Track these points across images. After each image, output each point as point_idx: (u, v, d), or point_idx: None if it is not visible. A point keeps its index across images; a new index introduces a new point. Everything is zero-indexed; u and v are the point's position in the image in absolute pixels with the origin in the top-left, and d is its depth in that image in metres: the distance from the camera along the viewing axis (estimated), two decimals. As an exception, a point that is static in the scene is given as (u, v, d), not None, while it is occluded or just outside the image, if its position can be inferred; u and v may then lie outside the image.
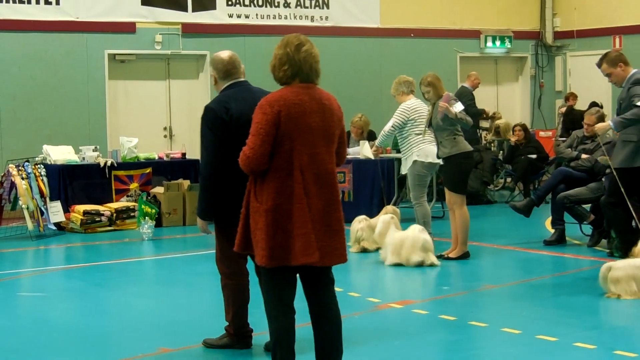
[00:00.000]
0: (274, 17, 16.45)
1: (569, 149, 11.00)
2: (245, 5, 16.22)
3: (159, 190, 13.07)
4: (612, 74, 8.68)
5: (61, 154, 13.07)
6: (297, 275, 5.15)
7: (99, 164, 13.05)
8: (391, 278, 9.05)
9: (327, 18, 16.95)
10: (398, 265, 9.27)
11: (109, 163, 13.06)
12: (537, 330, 6.56)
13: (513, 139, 15.20)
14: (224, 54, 6.15)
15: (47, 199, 12.08)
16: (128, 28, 15.31)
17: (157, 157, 13.83)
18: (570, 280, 8.74)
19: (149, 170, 13.40)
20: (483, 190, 15.06)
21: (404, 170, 10.43)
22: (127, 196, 13.15)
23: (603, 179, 10.00)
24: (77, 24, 14.88)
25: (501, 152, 15.99)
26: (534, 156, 14.84)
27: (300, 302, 5.17)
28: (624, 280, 7.53)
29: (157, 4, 15.49)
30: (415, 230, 9.36)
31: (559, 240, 10.51)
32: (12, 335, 6.92)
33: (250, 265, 5.95)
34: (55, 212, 12.15)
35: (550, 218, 10.85)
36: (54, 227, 12.15)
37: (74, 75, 14.93)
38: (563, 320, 6.98)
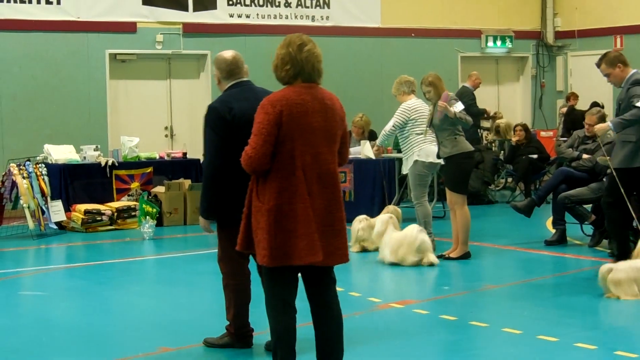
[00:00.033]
0: (275, 17, 16.46)
1: (570, 149, 11.01)
2: (246, 5, 16.23)
3: (159, 189, 13.08)
4: (610, 74, 8.67)
5: (62, 153, 13.07)
6: (299, 274, 5.15)
7: (100, 164, 13.05)
8: (392, 278, 9.04)
9: (327, 18, 16.96)
10: (398, 265, 9.27)
11: (110, 162, 13.06)
12: (538, 331, 6.56)
13: (514, 139, 15.20)
14: (228, 54, 6.15)
15: (48, 198, 12.08)
16: (129, 28, 15.32)
17: (158, 157, 13.83)
18: (571, 280, 8.74)
19: (149, 169, 13.41)
20: (484, 190, 15.06)
21: (405, 170, 10.42)
22: (128, 195, 13.15)
23: (604, 179, 10.00)
24: (78, 24, 14.88)
25: (502, 152, 15.99)
26: (535, 156, 14.84)
27: (301, 302, 5.17)
28: (626, 283, 7.53)
29: (158, 3, 15.50)
30: (414, 231, 9.36)
31: (559, 240, 10.51)
32: (13, 334, 6.92)
33: (252, 265, 5.95)
34: (56, 211, 12.16)
35: (551, 218, 10.85)
36: (55, 226, 12.16)
37: (75, 74, 14.94)
38: (564, 321, 6.98)
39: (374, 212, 11.23)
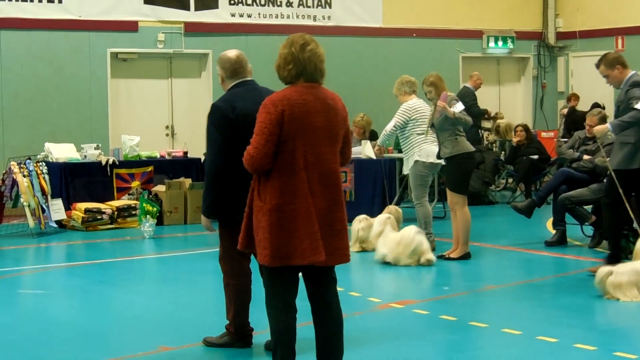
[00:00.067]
0: (277, 17, 16.46)
1: (571, 149, 11.01)
2: (247, 5, 16.23)
3: (160, 188, 13.08)
4: (609, 76, 8.67)
5: (63, 151, 13.07)
6: (299, 274, 5.15)
7: (100, 162, 13.05)
8: (392, 278, 9.04)
9: (329, 17, 16.96)
10: (397, 265, 9.27)
11: (110, 161, 13.06)
12: (538, 331, 6.56)
13: (515, 139, 15.20)
14: (232, 53, 6.14)
15: (49, 197, 12.09)
16: (130, 26, 15.32)
17: (158, 156, 13.83)
18: (571, 281, 8.74)
19: (150, 168, 13.41)
20: (485, 191, 15.06)
21: (406, 170, 10.43)
22: (129, 194, 13.15)
23: (605, 180, 9.99)
24: (79, 22, 14.89)
25: (503, 152, 15.99)
26: (535, 157, 14.84)
27: (301, 302, 5.17)
28: (626, 286, 7.53)
29: (160, 2, 15.50)
30: (411, 232, 9.36)
31: (560, 241, 10.50)
32: (13, 332, 6.93)
33: (253, 265, 5.95)
34: (57, 209, 12.17)
35: (551, 219, 10.85)
36: (55, 225, 12.16)
37: (76, 73, 14.94)
38: (563, 321, 6.98)
39: (374, 212, 11.22)
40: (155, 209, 12.14)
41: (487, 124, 17.00)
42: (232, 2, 16.09)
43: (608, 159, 8.80)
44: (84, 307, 7.93)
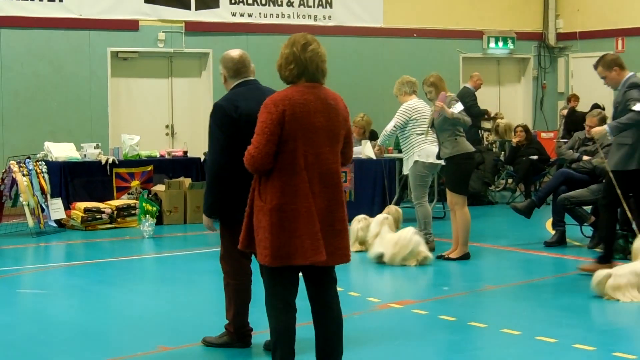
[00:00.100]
0: (277, 16, 16.46)
1: (571, 150, 11.01)
2: (248, 4, 16.23)
3: (160, 188, 13.07)
4: (607, 77, 8.68)
5: (63, 151, 13.06)
6: (299, 274, 5.15)
7: (100, 161, 13.05)
8: (391, 278, 9.04)
9: (330, 17, 16.96)
10: (396, 265, 9.27)
11: (110, 160, 13.05)
12: (537, 331, 6.56)
13: (515, 140, 15.20)
14: (234, 53, 6.14)
15: (48, 196, 12.08)
16: (131, 26, 15.32)
17: (158, 155, 13.82)
18: (570, 281, 8.73)
19: (150, 168, 13.40)
20: (484, 191, 15.06)
21: (406, 170, 10.43)
22: (128, 194, 13.14)
23: (604, 181, 10.00)
24: (80, 21, 14.89)
25: (503, 153, 15.99)
26: (535, 157, 14.84)
27: (301, 302, 5.17)
28: (625, 288, 7.52)
29: (161, 2, 15.50)
30: (408, 233, 9.36)
31: (559, 241, 10.51)
32: (12, 332, 6.92)
33: (254, 265, 5.94)
34: (56, 209, 12.16)
35: (551, 219, 10.85)
36: (55, 224, 12.14)
37: (76, 72, 14.94)
38: (563, 322, 6.98)
39: (374, 212, 11.22)
40: (154, 208, 12.13)
41: (487, 125, 17.00)
42: (233, 1, 16.09)
43: (606, 160, 8.80)
44: (84, 306, 7.92)
